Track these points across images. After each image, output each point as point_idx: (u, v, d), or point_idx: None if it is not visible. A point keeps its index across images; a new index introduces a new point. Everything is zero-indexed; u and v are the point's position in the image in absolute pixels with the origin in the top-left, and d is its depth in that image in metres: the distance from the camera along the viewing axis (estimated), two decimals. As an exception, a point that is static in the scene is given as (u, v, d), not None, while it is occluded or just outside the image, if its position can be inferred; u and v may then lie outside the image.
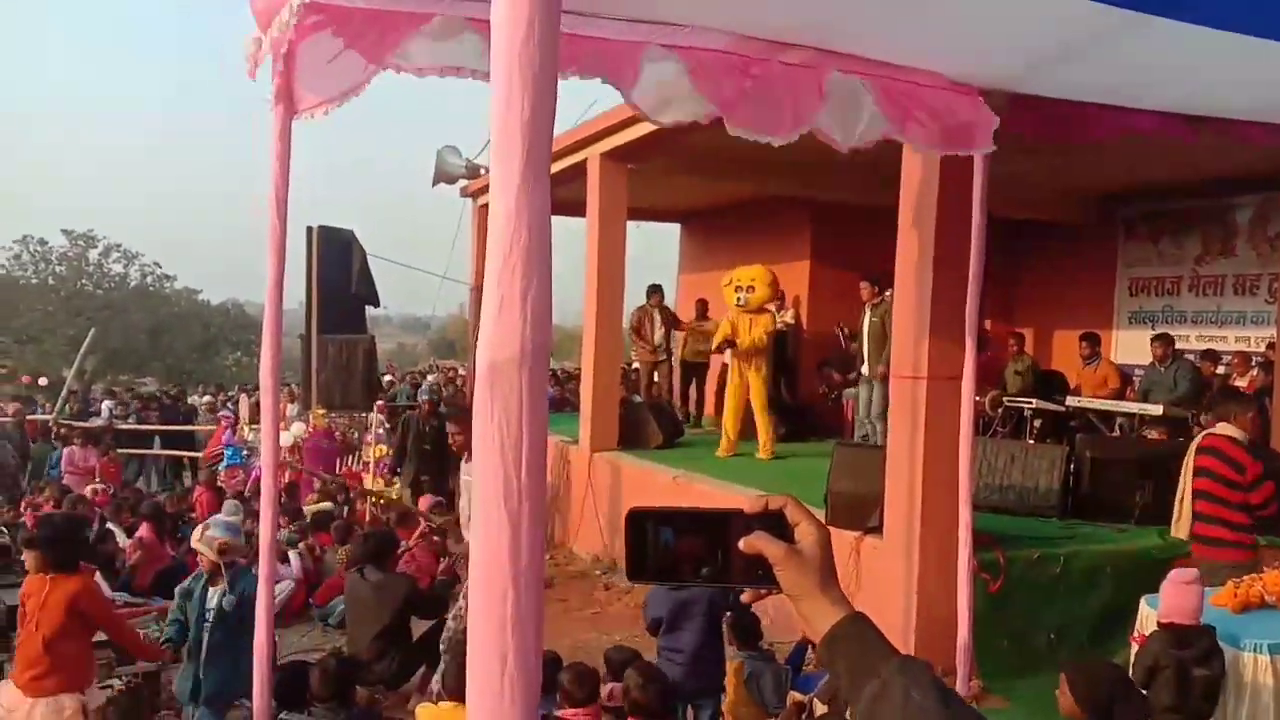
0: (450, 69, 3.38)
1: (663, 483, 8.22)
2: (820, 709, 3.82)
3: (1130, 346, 11.32)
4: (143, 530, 8.63)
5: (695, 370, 12.14)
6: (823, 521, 1.05)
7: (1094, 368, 9.89)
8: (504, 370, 0.95)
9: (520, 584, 0.96)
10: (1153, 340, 9.30)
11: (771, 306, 9.70)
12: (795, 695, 4.28)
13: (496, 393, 0.96)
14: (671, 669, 4.62)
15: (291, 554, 8.03)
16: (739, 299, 9.29)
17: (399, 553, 7.25)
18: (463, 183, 14.58)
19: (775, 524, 1.05)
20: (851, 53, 3.79)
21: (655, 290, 12.01)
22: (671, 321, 11.95)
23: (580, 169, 9.58)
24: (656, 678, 3.81)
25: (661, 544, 1.05)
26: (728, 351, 9.66)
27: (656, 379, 11.90)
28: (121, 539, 8.75)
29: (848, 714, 1.00)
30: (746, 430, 9.38)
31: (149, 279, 41.61)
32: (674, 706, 4.01)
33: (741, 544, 1.03)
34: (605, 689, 4.27)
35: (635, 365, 12.88)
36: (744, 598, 1.09)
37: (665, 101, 3.88)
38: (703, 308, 12.11)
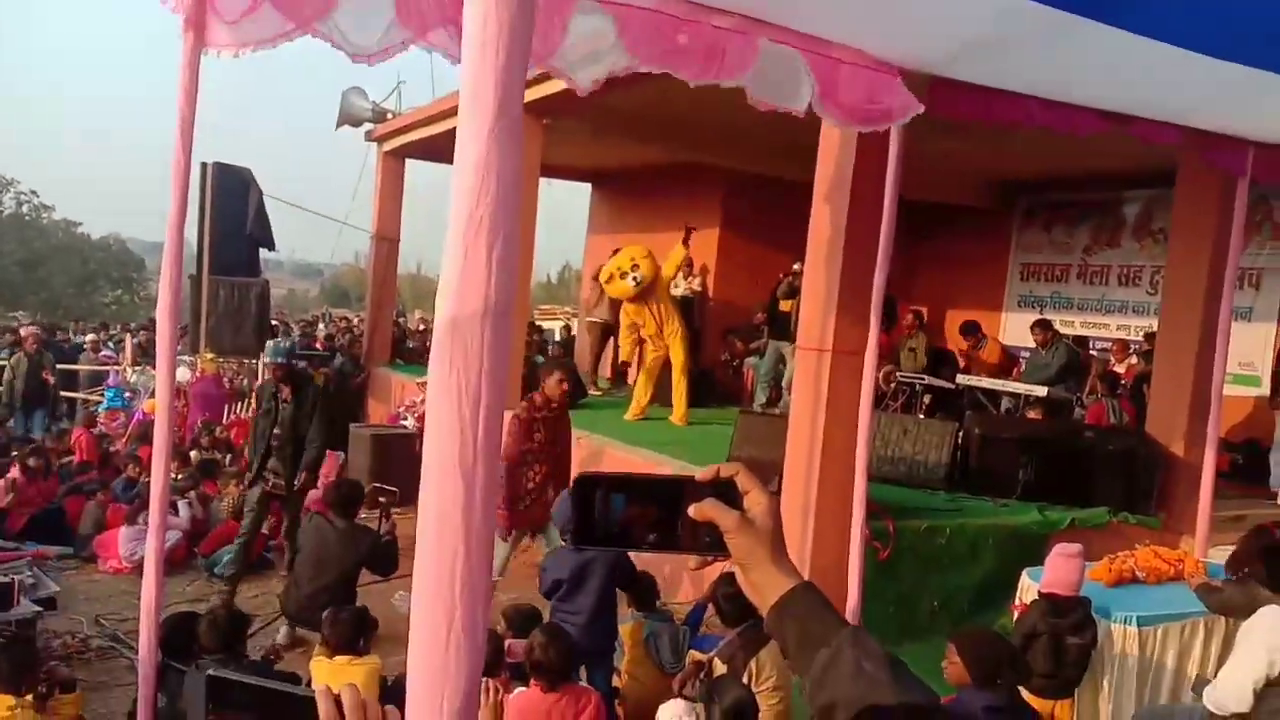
0: (378, 55, 3.31)
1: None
2: (720, 668, 3.89)
3: (1019, 329, 11.74)
4: (14, 472, 8.21)
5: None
6: (774, 492, 1.05)
7: (981, 349, 10.36)
8: (466, 325, 0.92)
9: (471, 544, 0.94)
10: (1033, 326, 9.69)
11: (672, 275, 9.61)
12: (695, 654, 4.35)
13: (457, 346, 0.93)
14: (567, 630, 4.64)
15: (181, 504, 7.76)
16: (634, 279, 8.91)
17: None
18: (368, 127, 14.14)
19: (726, 492, 1.04)
20: (780, 24, 3.81)
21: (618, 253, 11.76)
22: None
23: (493, 121, 9.39)
24: (560, 636, 3.83)
25: (610, 510, 1.03)
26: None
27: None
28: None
29: (786, 682, 1.00)
30: (655, 395, 9.42)
31: (25, 208, 39.39)
32: (574, 665, 4.03)
33: (692, 510, 1.02)
34: (504, 645, 4.27)
35: (547, 325, 12.58)
36: (691, 565, 1.09)
37: (590, 57, 3.84)
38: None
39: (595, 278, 11.85)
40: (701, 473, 1.05)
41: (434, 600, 0.95)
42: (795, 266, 8.63)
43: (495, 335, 0.93)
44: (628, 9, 3.57)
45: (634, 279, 8.93)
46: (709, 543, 1.04)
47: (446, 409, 0.93)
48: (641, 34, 3.61)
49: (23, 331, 12.04)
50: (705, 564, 1.07)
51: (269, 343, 8.75)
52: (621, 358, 10.02)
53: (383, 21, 3.29)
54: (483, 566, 0.96)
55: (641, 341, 9.48)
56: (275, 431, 6.81)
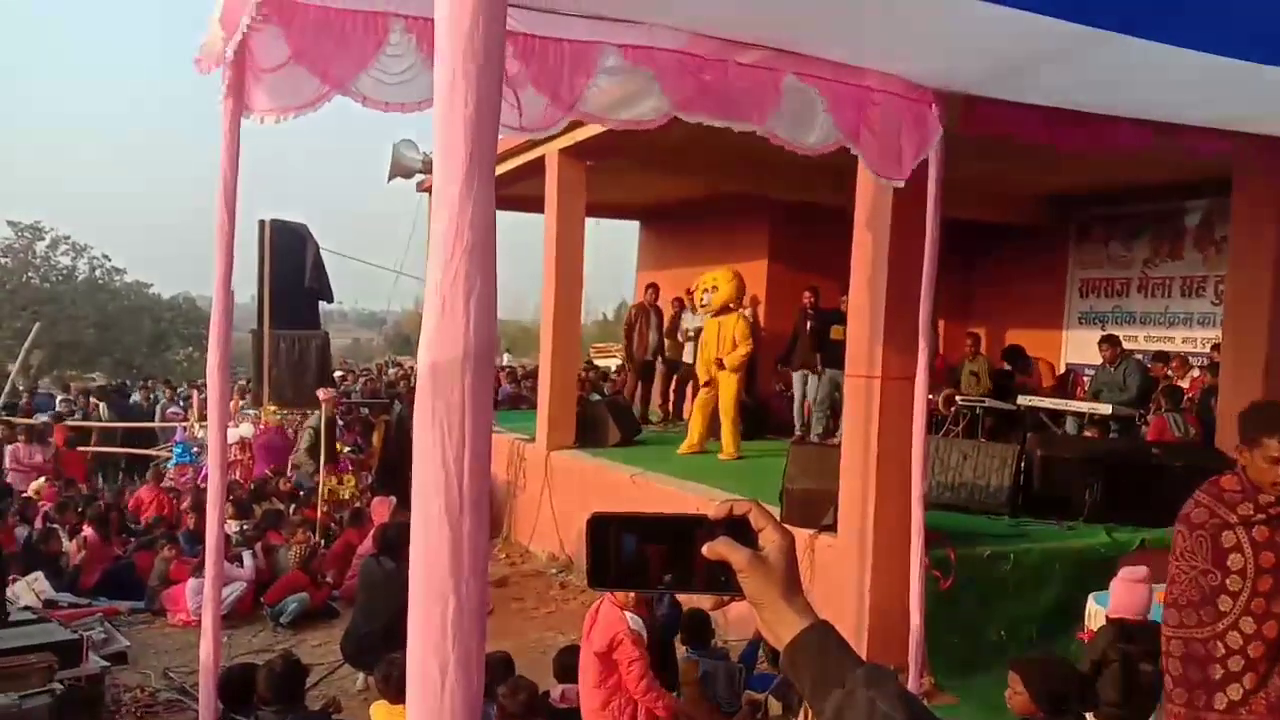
0: (409, 105, 3.39)
1: (620, 481, 8.20)
2: (775, 707, 3.83)
3: (1081, 347, 11.50)
4: (87, 530, 8.45)
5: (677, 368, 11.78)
6: (787, 528, 1.03)
7: (1030, 374, 10.25)
8: (446, 372, 0.93)
9: (461, 592, 0.94)
10: (1100, 342, 9.49)
11: (741, 309, 9.64)
12: (750, 694, 4.28)
13: (438, 395, 0.93)
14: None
15: (245, 555, 7.90)
16: (703, 300, 9.29)
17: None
18: (419, 177, 14.44)
19: (740, 530, 1.02)
20: (809, 53, 3.80)
21: (651, 288, 11.88)
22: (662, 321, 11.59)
23: (539, 165, 9.53)
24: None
25: (624, 550, 1.02)
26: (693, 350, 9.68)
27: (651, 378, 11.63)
28: (66, 539, 8.57)
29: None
30: (710, 430, 9.37)
31: (98, 272, 40.78)
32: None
33: (705, 550, 1.00)
34: (558, 690, 4.25)
35: (604, 364, 12.67)
36: (707, 606, 1.06)
37: (619, 101, 3.88)
38: (679, 305, 11.85)
39: (628, 319, 12.01)
40: (714, 510, 1.04)
41: (425, 649, 0.94)
42: (844, 298, 8.56)
43: (476, 381, 0.93)
44: (652, 51, 3.60)
45: (704, 299, 9.36)
46: (724, 582, 1.02)
47: (430, 457, 0.94)
48: (667, 78, 3.63)
49: (321, 394, 11.61)
50: (721, 604, 1.05)
51: None
52: (702, 379, 9.87)
53: (416, 75, 3.36)
54: (475, 615, 0.95)
55: (718, 368, 9.35)
56: None
